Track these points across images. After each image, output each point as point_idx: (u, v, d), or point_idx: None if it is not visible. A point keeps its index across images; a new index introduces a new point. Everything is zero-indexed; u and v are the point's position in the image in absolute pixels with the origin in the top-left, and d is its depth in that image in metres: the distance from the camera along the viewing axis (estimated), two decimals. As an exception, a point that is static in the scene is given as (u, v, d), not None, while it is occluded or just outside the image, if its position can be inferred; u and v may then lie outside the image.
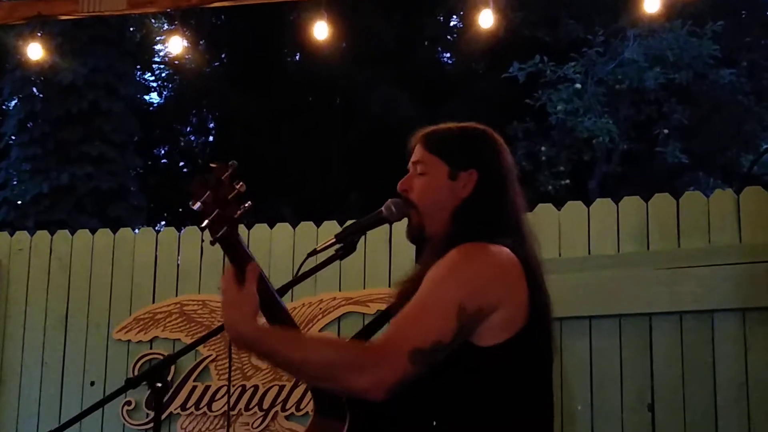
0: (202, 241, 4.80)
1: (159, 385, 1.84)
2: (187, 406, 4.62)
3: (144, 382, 1.85)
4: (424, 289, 1.82)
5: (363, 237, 2.05)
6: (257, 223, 4.82)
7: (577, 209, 4.34)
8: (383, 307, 2.11)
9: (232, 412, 4.57)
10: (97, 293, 4.92)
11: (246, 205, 1.79)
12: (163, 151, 15.98)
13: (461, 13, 12.91)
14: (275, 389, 4.53)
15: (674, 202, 4.19)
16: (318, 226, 4.68)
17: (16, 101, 12.23)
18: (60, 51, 10.42)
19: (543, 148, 11.26)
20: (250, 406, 4.55)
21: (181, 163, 15.92)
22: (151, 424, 4.58)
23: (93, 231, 5.12)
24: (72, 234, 5.10)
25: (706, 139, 11.70)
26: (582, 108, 10.78)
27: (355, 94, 13.26)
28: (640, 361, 4.07)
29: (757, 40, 12.20)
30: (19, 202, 11.53)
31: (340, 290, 4.57)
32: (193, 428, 4.61)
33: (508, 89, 11.31)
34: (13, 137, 11.92)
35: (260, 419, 4.53)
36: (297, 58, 14.49)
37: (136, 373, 4.66)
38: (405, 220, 2.03)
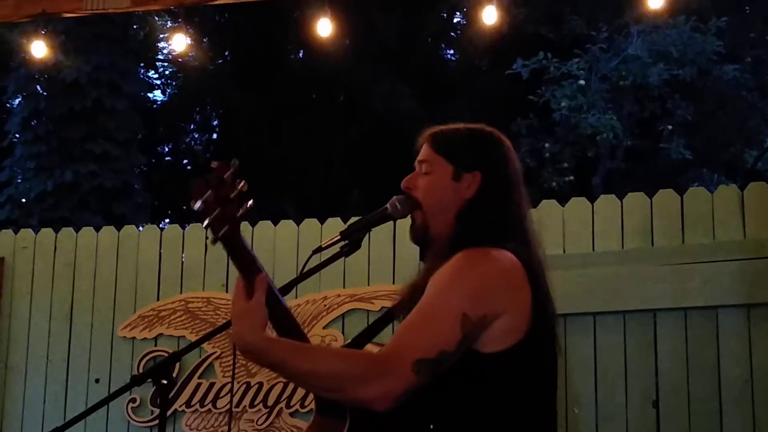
0: (206, 238, 4.79)
1: (164, 382, 1.84)
2: (192, 403, 4.62)
3: (149, 379, 1.85)
4: (428, 297, 1.82)
5: (367, 234, 2.05)
6: (261, 221, 4.82)
7: (581, 206, 4.33)
8: (387, 304, 2.12)
9: (236, 409, 4.57)
10: (101, 291, 4.92)
11: (248, 203, 1.78)
12: (166, 149, 16.00)
13: (464, 9, 12.91)
14: (279, 386, 4.53)
15: (678, 198, 4.18)
16: (322, 223, 4.68)
17: (20, 99, 12.25)
18: (64, 49, 10.43)
19: (547, 145, 11.26)
20: (255, 403, 4.55)
21: (185, 161, 15.94)
22: (156, 421, 4.59)
23: (97, 229, 5.12)
24: (76, 232, 5.10)
25: (710, 135, 11.70)
26: (586, 104, 10.78)
27: (358, 91, 13.26)
28: (644, 358, 4.06)
29: (761, 35, 12.16)
30: (24, 200, 11.55)
31: (344, 287, 4.56)
32: (198, 425, 4.61)
33: (512, 86, 11.31)
34: (17, 135, 11.94)
35: (265, 416, 4.53)
36: (300, 55, 14.49)
37: (140, 370, 4.67)
38: (408, 223, 2.03)
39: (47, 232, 5.14)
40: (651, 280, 4.05)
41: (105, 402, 1.94)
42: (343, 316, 4.53)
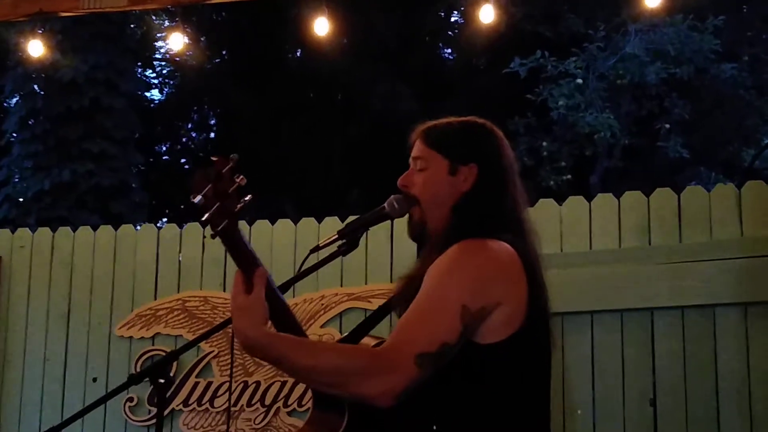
0: (204, 237, 4.79)
1: (162, 381, 1.84)
2: (190, 403, 4.62)
3: (146, 378, 1.85)
4: (427, 289, 1.82)
5: (365, 233, 2.05)
6: (259, 219, 4.82)
7: (578, 204, 4.34)
8: (385, 302, 2.11)
9: (234, 408, 4.57)
10: (98, 290, 4.92)
11: (247, 198, 1.78)
12: (164, 148, 15.99)
13: (462, 8, 12.91)
14: (277, 385, 4.53)
15: (676, 197, 4.18)
16: (319, 222, 4.68)
17: (17, 98, 12.24)
18: (61, 48, 10.43)
19: (544, 144, 11.27)
20: (252, 402, 4.55)
21: (183, 160, 15.93)
22: (153, 421, 4.59)
23: (94, 228, 5.12)
24: (74, 231, 5.10)
25: (707, 133, 11.71)
26: (583, 103, 10.78)
27: (356, 90, 13.26)
28: (641, 356, 4.07)
29: (758, 34, 12.18)
30: (21, 199, 11.55)
31: (341, 286, 4.56)
32: (196, 424, 4.61)
33: (510, 84, 11.31)
34: (14, 134, 11.94)
35: (262, 415, 4.53)
36: (298, 54, 14.47)
37: (137, 369, 4.66)
38: (406, 219, 2.03)
39: (44, 232, 5.14)
40: (648, 279, 4.06)
41: (102, 401, 1.94)
42: (340, 315, 4.53)
